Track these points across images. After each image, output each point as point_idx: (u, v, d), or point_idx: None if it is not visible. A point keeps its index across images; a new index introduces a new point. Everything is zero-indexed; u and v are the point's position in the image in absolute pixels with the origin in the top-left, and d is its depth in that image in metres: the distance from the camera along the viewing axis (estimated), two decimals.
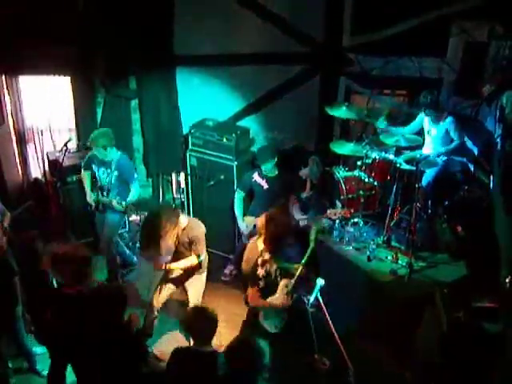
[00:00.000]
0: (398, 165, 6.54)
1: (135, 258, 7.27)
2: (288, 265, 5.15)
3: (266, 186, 6.44)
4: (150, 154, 8.33)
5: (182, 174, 7.76)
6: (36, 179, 8.36)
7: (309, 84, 8.22)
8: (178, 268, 5.52)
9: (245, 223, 6.57)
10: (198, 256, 5.42)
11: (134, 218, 8.05)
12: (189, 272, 5.57)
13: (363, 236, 6.69)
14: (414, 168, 6.25)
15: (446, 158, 6.74)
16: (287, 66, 8.07)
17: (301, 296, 5.19)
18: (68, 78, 7.81)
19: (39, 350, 5.53)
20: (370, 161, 6.79)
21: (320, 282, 5.05)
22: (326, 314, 5.41)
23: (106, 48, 7.50)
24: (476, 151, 7.08)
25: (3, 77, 7.68)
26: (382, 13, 7.30)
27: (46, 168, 7.78)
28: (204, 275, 5.69)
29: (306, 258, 5.08)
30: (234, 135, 7.02)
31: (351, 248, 6.56)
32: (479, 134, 7.24)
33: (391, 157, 6.61)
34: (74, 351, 4.47)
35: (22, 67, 7.51)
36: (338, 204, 6.96)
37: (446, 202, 6.76)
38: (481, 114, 7.40)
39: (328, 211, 6.26)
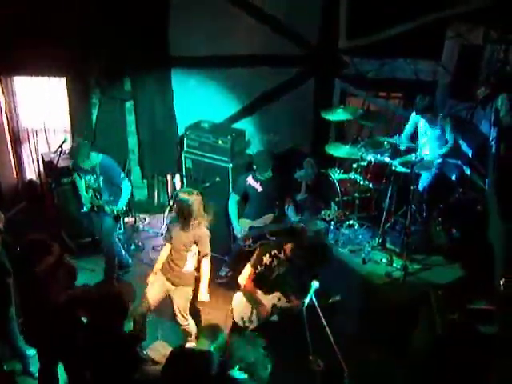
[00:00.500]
0: (393, 167, 6.55)
1: (130, 260, 7.25)
2: None
3: (260, 189, 6.44)
4: (145, 156, 8.31)
5: (178, 176, 7.76)
6: (31, 180, 8.33)
7: (304, 86, 8.23)
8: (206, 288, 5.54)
9: (240, 226, 6.56)
10: (206, 255, 5.43)
11: (129, 219, 8.03)
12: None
13: (358, 238, 6.70)
14: (409, 171, 6.26)
15: (440, 160, 6.76)
16: (283, 68, 8.08)
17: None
18: (63, 79, 7.80)
19: (32, 351, 5.51)
20: (365, 163, 6.80)
21: (315, 284, 5.05)
22: (321, 316, 5.42)
23: (101, 49, 7.50)
24: (471, 154, 7.09)
25: None
26: (378, 15, 7.31)
27: (41, 169, 7.75)
28: (190, 289, 5.62)
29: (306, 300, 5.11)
30: (229, 137, 7.01)
31: (346, 250, 6.56)
32: (474, 137, 7.26)
33: (387, 159, 6.62)
34: (63, 353, 4.47)
35: (17, 68, 7.50)
36: (334, 206, 6.97)
37: (441, 205, 6.76)
38: (476, 116, 7.41)
39: (322, 212, 6.27)
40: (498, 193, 6.10)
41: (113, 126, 8.05)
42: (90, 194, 6.48)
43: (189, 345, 5.23)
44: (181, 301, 5.55)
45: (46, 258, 4.72)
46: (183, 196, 5.26)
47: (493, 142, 6.89)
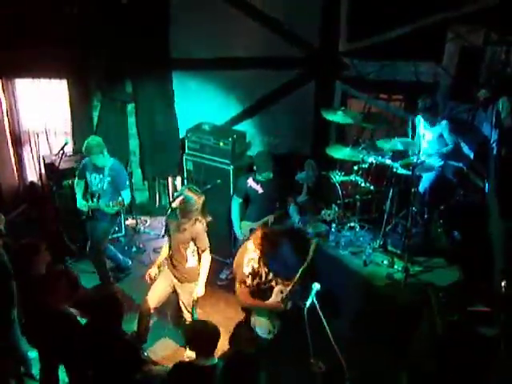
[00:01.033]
0: (394, 169, 6.55)
1: (130, 262, 7.25)
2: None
3: (261, 191, 6.44)
4: (146, 158, 8.32)
5: (179, 178, 7.76)
6: (32, 182, 8.34)
7: (305, 88, 8.23)
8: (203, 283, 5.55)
9: (241, 229, 6.56)
10: (204, 250, 5.45)
11: (130, 221, 8.04)
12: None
13: (359, 240, 6.69)
14: (410, 173, 6.26)
15: (441, 162, 6.76)
16: (283, 70, 8.08)
17: (296, 302, 5.20)
18: (64, 81, 7.81)
19: (34, 354, 5.50)
20: (366, 165, 6.80)
21: (316, 286, 5.05)
22: (322, 318, 5.42)
23: (101, 51, 7.51)
24: (472, 156, 7.09)
25: None
26: (378, 17, 7.31)
27: (42, 171, 7.76)
28: (193, 285, 5.62)
29: (303, 268, 5.09)
30: (230, 139, 7.02)
31: (347, 252, 6.56)
32: (475, 139, 7.26)
33: (388, 161, 6.62)
34: (63, 355, 4.47)
35: (19, 70, 7.51)
36: (335, 208, 6.96)
37: (442, 207, 6.76)
38: (477, 119, 7.41)
39: (323, 212, 6.27)
40: (499, 194, 6.10)
41: (114, 128, 8.06)
42: (87, 198, 6.47)
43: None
44: (186, 296, 5.57)
45: (37, 260, 4.76)
46: (188, 194, 5.29)
47: (494, 144, 6.89)
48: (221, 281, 6.99)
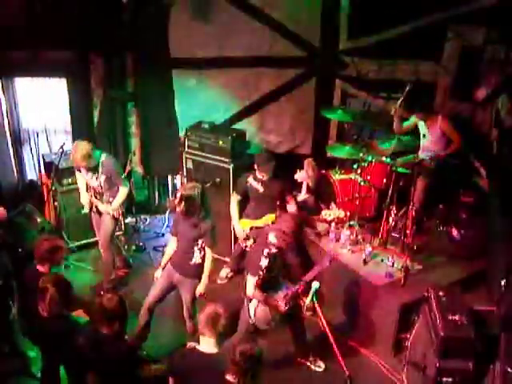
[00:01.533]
0: (393, 168, 6.55)
1: (131, 260, 7.26)
2: None
3: (261, 189, 6.43)
4: (146, 157, 8.32)
5: (178, 177, 7.76)
6: (31, 181, 8.33)
7: (305, 87, 8.23)
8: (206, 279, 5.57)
9: (241, 227, 6.56)
10: (208, 246, 5.46)
11: (129, 220, 8.04)
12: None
13: (359, 239, 6.69)
14: (409, 171, 6.26)
15: (441, 161, 6.76)
16: (283, 68, 8.08)
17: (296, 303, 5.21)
18: (64, 80, 7.80)
19: (33, 352, 5.51)
20: (366, 164, 6.80)
21: (315, 285, 5.06)
22: (322, 317, 5.43)
23: (102, 50, 7.51)
24: (472, 154, 7.10)
25: None
26: (378, 16, 7.32)
27: (42, 170, 7.76)
28: (198, 281, 5.58)
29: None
30: (229, 138, 7.01)
31: (347, 251, 6.56)
32: (475, 138, 7.27)
33: (387, 160, 6.62)
34: (63, 354, 4.47)
35: (18, 69, 7.50)
36: (334, 207, 6.97)
37: (442, 206, 6.77)
38: (477, 117, 7.42)
39: (323, 212, 6.26)
40: (500, 193, 6.11)
41: (114, 126, 8.06)
42: (90, 194, 6.48)
43: (192, 344, 5.21)
44: (188, 294, 5.57)
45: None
46: (189, 192, 5.29)
47: (494, 143, 6.90)
48: (221, 279, 6.98)
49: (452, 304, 4.87)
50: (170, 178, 8.57)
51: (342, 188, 6.94)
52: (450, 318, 4.69)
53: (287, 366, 5.64)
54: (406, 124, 6.93)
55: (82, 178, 6.56)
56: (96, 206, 6.48)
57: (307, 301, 5.09)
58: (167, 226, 7.98)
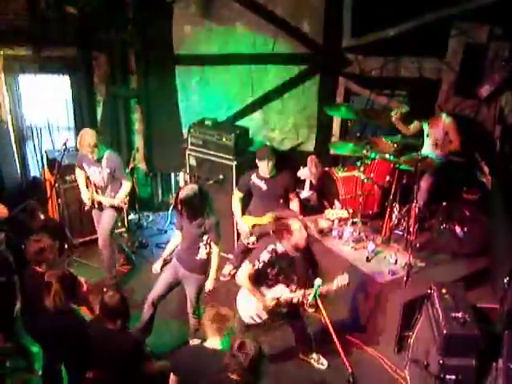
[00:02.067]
0: (397, 165, 6.54)
1: (133, 257, 7.27)
2: None
3: (264, 187, 6.42)
4: (150, 154, 8.33)
5: (181, 174, 7.75)
6: (35, 178, 8.34)
7: (308, 84, 8.22)
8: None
9: (243, 223, 6.56)
10: (214, 242, 5.46)
11: (132, 216, 8.05)
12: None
13: (362, 236, 6.69)
14: (413, 169, 6.25)
15: (444, 158, 6.75)
16: (287, 65, 8.07)
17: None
18: (67, 77, 7.80)
19: (36, 349, 5.51)
20: (369, 161, 6.80)
21: (318, 282, 5.05)
22: (324, 314, 5.43)
23: (106, 47, 7.51)
24: (475, 152, 7.08)
25: (2, 75, 7.66)
26: (382, 14, 7.29)
27: (45, 166, 7.77)
28: (203, 278, 5.60)
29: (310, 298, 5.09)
30: (233, 135, 7.00)
31: (350, 248, 6.56)
32: (478, 135, 7.25)
33: (390, 157, 6.61)
34: (65, 350, 4.48)
35: (21, 66, 7.51)
36: (337, 204, 6.97)
37: (445, 203, 6.76)
38: (480, 115, 7.40)
39: (326, 212, 6.26)
40: (503, 191, 6.09)
41: (117, 123, 8.06)
42: (91, 190, 6.48)
43: (195, 341, 5.22)
44: (193, 289, 5.57)
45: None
46: (187, 193, 5.28)
47: (497, 140, 6.88)
48: (224, 276, 6.98)
49: (455, 301, 4.87)
50: (173, 174, 8.57)
51: (345, 185, 6.93)
52: (453, 315, 4.69)
53: (290, 363, 5.64)
54: (412, 126, 6.93)
55: (82, 175, 6.56)
56: (98, 203, 6.47)
57: (310, 298, 5.08)
58: (170, 223, 7.99)
